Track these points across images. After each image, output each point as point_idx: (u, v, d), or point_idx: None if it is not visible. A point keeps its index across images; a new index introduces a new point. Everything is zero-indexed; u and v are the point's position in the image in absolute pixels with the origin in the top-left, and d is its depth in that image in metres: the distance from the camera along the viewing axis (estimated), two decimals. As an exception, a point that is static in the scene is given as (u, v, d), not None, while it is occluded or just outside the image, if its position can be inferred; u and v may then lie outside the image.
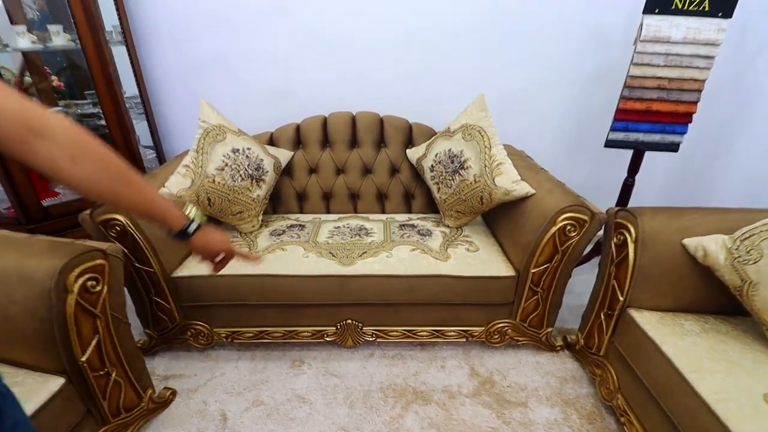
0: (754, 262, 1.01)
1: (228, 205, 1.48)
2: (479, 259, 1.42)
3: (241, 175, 1.49)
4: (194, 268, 1.38)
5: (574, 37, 1.81)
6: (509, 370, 1.47)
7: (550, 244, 1.30)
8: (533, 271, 1.35)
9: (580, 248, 1.32)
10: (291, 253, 1.43)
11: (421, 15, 1.76)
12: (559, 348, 1.54)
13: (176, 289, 1.39)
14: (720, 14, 1.40)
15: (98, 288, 1.03)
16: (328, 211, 1.84)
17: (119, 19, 1.67)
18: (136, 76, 1.78)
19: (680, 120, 1.57)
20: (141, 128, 1.94)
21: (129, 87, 1.85)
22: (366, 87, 1.89)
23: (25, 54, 1.66)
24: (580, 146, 2.02)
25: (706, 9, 1.40)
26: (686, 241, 1.14)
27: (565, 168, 2.05)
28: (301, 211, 1.84)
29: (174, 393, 1.37)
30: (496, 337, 1.50)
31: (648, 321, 1.15)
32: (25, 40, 1.47)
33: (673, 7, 1.41)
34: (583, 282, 1.55)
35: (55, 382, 0.99)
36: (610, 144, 1.65)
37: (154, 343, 1.51)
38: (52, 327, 0.96)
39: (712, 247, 1.09)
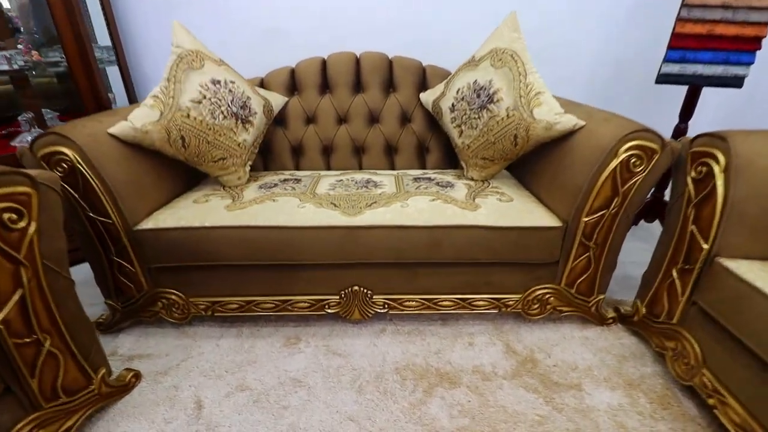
0: None
1: (207, 149, 1.22)
2: (515, 208, 1.16)
3: (222, 112, 1.22)
4: (164, 219, 1.11)
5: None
6: (552, 347, 1.20)
7: (609, 184, 1.04)
8: (585, 219, 1.08)
9: (645, 189, 1.05)
10: (283, 204, 1.17)
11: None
12: (610, 321, 1.27)
13: (141, 247, 1.12)
14: None
15: (21, 224, 0.76)
16: (329, 168, 1.58)
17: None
18: (105, 14, 1.52)
19: (747, 47, 1.31)
20: (114, 77, 1.68)
21: (100, 34, 1.61)
22: (370, 26, 1.63)
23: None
24: (621, 88, 1.75)
25: None
26: (796, 166, 0.88)
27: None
28: (297, 168, 1.58)
29: (137, 375, 1.09)
30: (536, 307, 1.23)
31: (750, 270, 0.88)
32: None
33: None
34: (625, 250, 1.25)
35: (-44, 350, 0.72)
36: (662, 79, 1.40)
37: (119, 318, 1.23)
38: (-47, 274, 0.70)
39: (837, 168, 0.83)
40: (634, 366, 1.13)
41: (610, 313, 1.27)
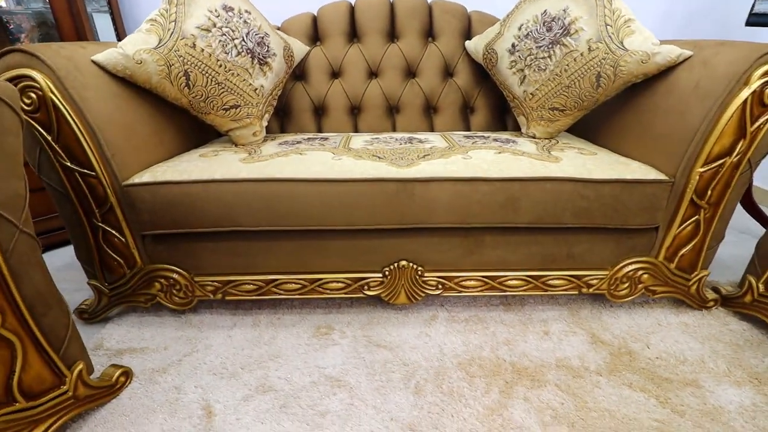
0: None
1: (217, 91, 0.98)
2: (604, 161, 0.93)
3: (236, 46, 0.99)
4: (163, 171, 0.87)
5: None
6: (649, 336, 0.96)
7: (734, 123, 0.81)
8: (701, 170, 0.85)
9: (777, 130, 0.83)
10: (314, 157, 0.93)
11: None
12: (712, 303, 1.03)
13: (134, 208, 0.87)
14: None
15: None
16: (356, 130, 1.34)
17: None
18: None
19: None
20: (104, 25, 1.44)
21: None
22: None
23: None
24: (704, 31, 1.53)
25: None
26: None
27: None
28: (320, 130, 1.34)
29: (128, 374, 0.84)
30: (624, 287, 1.00)
31: None
32: None
33: None
34: None
35: None
36: (755, 20, 1.18)
37: (106, 303, 0.99)
38: None
39: None
40: (755, 356, 0.90)
41: (711, 294, 1.03)
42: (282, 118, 1.33)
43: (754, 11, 1.17)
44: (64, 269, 1.25)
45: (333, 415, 0.77)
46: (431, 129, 1.35)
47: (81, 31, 1.26)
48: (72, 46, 0.85)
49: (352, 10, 1.31)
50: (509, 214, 0.88)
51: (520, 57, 1.11)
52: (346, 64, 1.31)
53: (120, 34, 1.42)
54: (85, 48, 0.87)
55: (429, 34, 1.32)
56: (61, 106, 0.77)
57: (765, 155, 0.87)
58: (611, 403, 0.79)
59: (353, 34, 1.32)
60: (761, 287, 0.94)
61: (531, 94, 1.11)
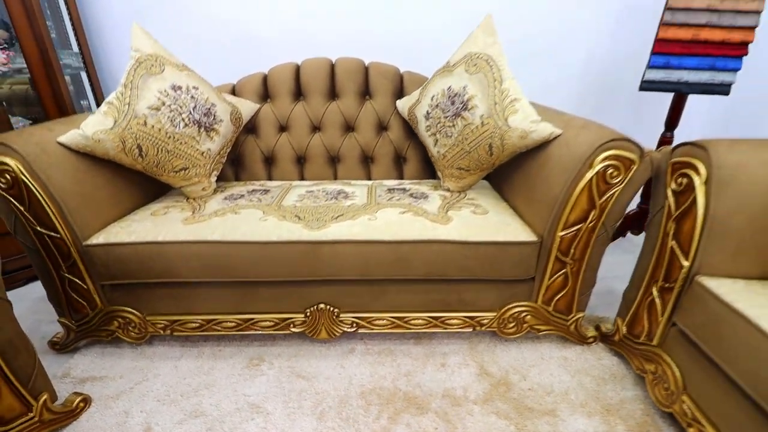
0: None
1: (167, 158, 1.16)
2: (489, 221, 1.10)
3: (184, 120, 1.17)
4: (116, 233, 1.05)
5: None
6: (529, 369, 1.13)
7: (585, 197, 0.98)
8: (561, 234, 1.02)
9: (623, 202, 0.99)
10: (245, 217, 1.11)
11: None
12: (591, 340, 1.20)
13: (93, 263, 1.05)
14: None
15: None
16: (302, 178, 1.52)
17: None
18: (73, 24, 1.48)
19: (734, 52, 1.26)
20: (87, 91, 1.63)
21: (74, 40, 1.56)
22: (346, 31, 1.59)
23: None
24: (607, 97, 1.70)
25: None
26: (781, 179, 0.82)
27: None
28: (270, 178, 1.52)
29: (86, 400, 1.03)
30: (512, 325, 1.17)
31: (731, 290, 0.82)
32: None
33: None
34: (610, 264, 1.20)
35: None
36: (647, 86, 1.34)
37: (74, 337, 1.17)
38: None
39: (824, 182, 0.77)
40: (614, 389, 1.06)
41: (591, 332, 1.20)
42: (236, 167, 1.51)
43: (645, 79, 1.34)
44: (41, 301, 1.43)
45: (248, 437, 0.95)
46: (368, 177, 1.52)
47: (57, 93, 1.44)
48: (41, 129, 1.04)
49: (297, 71, 1.48)
50: (402, 269, 1.05)
51: (433, 123, 1.28)
52: (293, 119, 1.48)
53: (96, 92, 1.60)
54: (52, 130, 1.05)
55: (366, 92, 1.49)
56: (30, 185, 0.96)
57: (618, 221, 1.04)
58: (477, 429, 0.96)
59: (299, 92, 1.49)
60: (624, 329, 1.11)
61: (443, 154, 1.28)
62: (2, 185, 0.96)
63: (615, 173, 0.95)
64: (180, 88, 1.18)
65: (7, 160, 0.94)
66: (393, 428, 0.96)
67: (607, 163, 0.95)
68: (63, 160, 1.04)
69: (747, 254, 0.86)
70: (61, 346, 1.19)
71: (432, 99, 1.28)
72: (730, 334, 0.78)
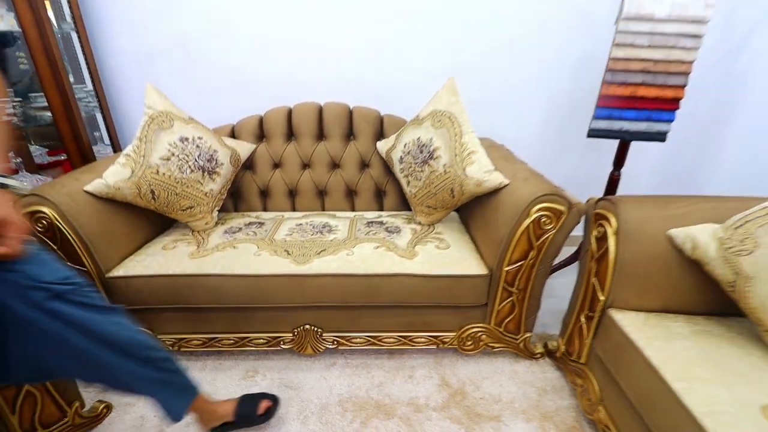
0: (749, 253, 0.89)
1: (176, 199, 1.36)
2: (449, 257, 1.29)
3: (190, 167, 1.37)
4: (133, 267, 1.25)
5: (557, 22, 1.71)
6: (483, 380, 1.33)
7: (524, 239, 1.18)
8: (506, 269, 1.22)
9: (557, 243, 1.19)
10: (242, 251, 1.31)
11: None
12: (539, 355, 1.40)
13: (113, 291, 1.26)
14: (707, -11, 1.29)
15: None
16: (294, 209, 1.72)
17: (68, 4, 1.57)
18: (88, 63, 1.67)
19: (667, 106, 1.45)
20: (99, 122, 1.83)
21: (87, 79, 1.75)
22: (335, 76, 1.78)
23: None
24: (566, 137, 1.90)
25: (692, -16, 1.29)
26: (673, 232, 1.01)
27: (550, 160, 1.96)
28: (265, 209, 1.72)
29: (108, 407, 1.23)
30: (470, 343, 1.37)
31: (631, 322, 1.02)
32: (-43, 22, 1.37)
33: (656, -18, 1.30)
34: (568, 285, 1.40)
35: (-55, 395, 0.86)
36: (593, 134, 1.53)
37: (95, 351, 1.37)
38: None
39: (702, 237, 0.96)
40: (552, 399, 1.26)
41: (539, 349, 1.40)
42: (236, 199, 1.71)
43: (591, 127, 1.53)
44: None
45: (243, 438, 1.14)
46: (352, 208, 1.71)
47: (75, 129, 1.63)
48: (69, 180, 1.24)
49: (290, 114, 1.68)
50: (374, 298, 1.25)
51: (405, 166, 1.48)
52: (285, 157, 1.68)
53: (110, 129, 1.80)
54: (78, 180, 1.25)
55: (350, 134, 1.69)
56: (62, 228, 1.15)
57: (554, 257, 1.24)
58: (432, 431, 1.16)
59: (291, 134, 1.69)
60: (563, 347, 1.31)
61: (414, 194, 1.48)
62: (39, 229, 1.16)
63: (548, 221, 1.15)
64: (187, 139, 1.38)
65: (44, 209, 1.14)
66: (363, 431, 1.16)
67: (541, 213, 1.14)
68: (88, 206, 1.23)
69: (649, 292, 1.06)
70: (85, 359, 1.39)
71: (405, 146, 1.48)
72: (626, 359, 0.98)
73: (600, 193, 1.71)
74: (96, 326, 0.82)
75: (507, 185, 1.28)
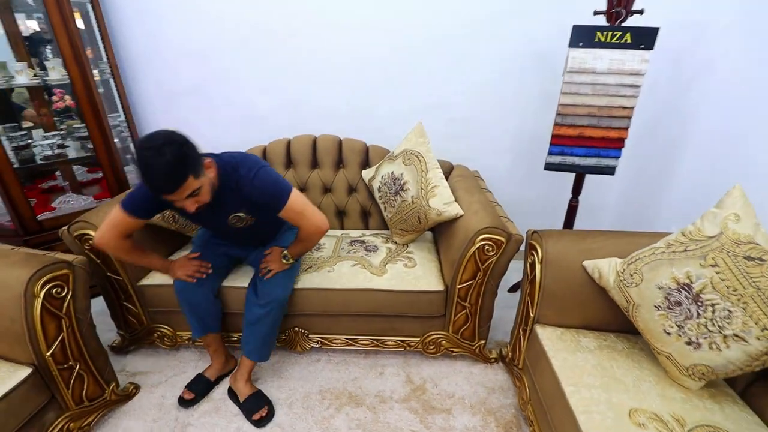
0: (636, 285, 1.10)
1: (190, 222, 1.66)
2: (414, 274, 1.54)
3: (204, 195, 1.66)
4: (157, 278, 1.56)
5: (521, 65, 1.92)
6: (442, 379, 1.57)
7: (473, 262, 1.41)
8: (459, 286, 1.46)
9: (501, 266, 1.42)
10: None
11: (378, 43, 1.90)
12: (493, 360, 1.63)
13: (143, 296, 1.57)
14: (642, 46, 1.48)
15: (63, 294, 1.21)
16: (292, 226, 2.00)
17: (105, 53, 1.90)
18: (121, 103, 2.00)
19: (613, 145, 1.64)
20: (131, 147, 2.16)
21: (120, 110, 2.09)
22: (328, 111, 2.05)
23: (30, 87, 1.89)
24: (533, 165, 2.10)
25: (629, 42, 1.48)
26: (585, 263, 1.23)
27: (519, 186, 2.16)
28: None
29: (137, 387, 1.54)
30: (432, 347, 1.61)
31: (548, 336, 1.24)
32: (24, 77, 1.71)
33: (596, 40, 1.50)
34: None
35: (24, 372, 1.17)
36: (549, 167, 1.74)
37: (126, 343, 1.70)
38: (22, 325, 1.15)
39: (605, 269, 1.18)
40: (498, 397, 1.50)
41: (493, 354, 1.63)
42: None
43: (546, 162, 1.73)
44: (102, 314, 1.96)
45: (240, 416, 1.43)
46: (342, 227, 1.98)
47: (109, 151, 1.95)
48: (109, 207, 1.55)
49: (289, 145, 1.96)
50: (349, 307, 1.52)
51: (383, 195, 1.74)
52: (285, 182, 1.96)
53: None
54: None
55: (339, 163, 1.95)
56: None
57: (500, 278, 1.46)
58: (392, 419, 1.42)
59: (289, 162, 1.97)
60: (510, 354, 1.54)
61: (389, 218, 1.73)
62: (87, 247, 1.48)
63: (490, 249, 1.37)
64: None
65: (89, 231, 1.46)
66: (336, 416, 1.43)
67: (484, 242, 1.37)
68: (124, 227, 1.55)
69: (569, 311, 1.28)
70: (118, 349, 1.72)
71: (382, 178, 1.73)
72: (540, 366, 1.20)
73: (562, 218, 1.92)
74: None
75: (462, 216, 1.51)
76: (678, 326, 1.02)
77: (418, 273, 1.55)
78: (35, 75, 1.79)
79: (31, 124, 1.99)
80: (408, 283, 1.50)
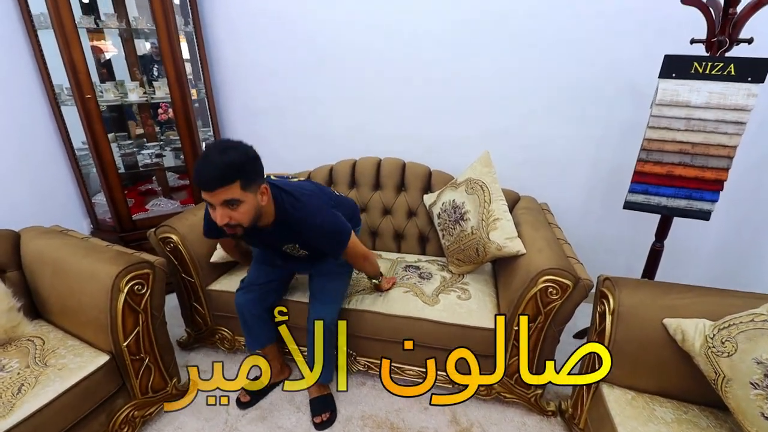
0: (728, 356, 0.94)
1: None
2: (467, 307, 1.48)
3: (271, 209, 1.76)
4: (225, 284, 1.67)
5: (602, 91, 1.79)
6: (491, 426, 1.47)
7: (533, 304, 1.31)
8: (516, 328, 1.36)
9: (565, 312, 1.30)
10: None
11: (448, 68, 1.90)
12: (550, 413, 1.49)
13: (210, 299, 1.69)
14: (749, 79, 1.30)
15: (143, 291, 1.35)
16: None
17: (202, 76, 2.13)
18: (211, 119, 2.22)
19: (709, 186, 1.45)
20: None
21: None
22: (394, 133, 2.08)
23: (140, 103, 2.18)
24: (612, 201, 1.92)
25: (732, 74, 1.32)
26: (667, 321, 1.09)
27: (595, 223, 2.00)
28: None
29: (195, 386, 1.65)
30: (483, 389, 1.52)
31: (617, 399, 1.10)
32: (135, 95, 1.97)
33: (693, 71, 1.35)
34: None
35: (103, 358, 1.31)
36: (629, 206, 1.58)
37: (192, 340, 1.83)
38: (107, 316, 1.29)
39: (691, 331, 1.03)
40: (552, 455, 1.36)
41: (551, 406, 1.49)
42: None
43: (626, 200, 1.58)
44: (174, 309, 2.14)
45: (284, 428, 1.46)
46: (399, 250, 1.98)
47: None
48: (190, 215, 1.71)
49: (354, 166, 2.01)
50: (396, 335, 1.49)
51: (442, 222, 1.70)
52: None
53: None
54: (196, 215, 1.72)
55: (401, 186, 1.96)
56: (182, 250, 1.61)
57: (564, 324, 1.34)
58: (433, 460, 1.35)
59: (353, 182, 2.02)
60: (570, 410, 1.39)
61: (447, 246, 1.69)
62: (168, 249, 1.63)
63: (554, 292, 1.27)
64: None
65: (172, 235, 1.61)
66: (375, 446, 1.40)
67: (547, 284, 1.27)
68: (201, 236, 1.69)
69: (642, 373, 1.13)
70: (184, 345, 1.85)
71: (443, 204, 1.70)
72: (606, 429, 1.07)
73: (642, 263, 1.73)
74: None
75: (525, 254, 1.42)
76: (785, 414, 0.85)
77: (472, 306, 1.48)
78: (144, 93, 2.06)
79: (141, 131, 2.28)
80: (459, 316, 1.44)
